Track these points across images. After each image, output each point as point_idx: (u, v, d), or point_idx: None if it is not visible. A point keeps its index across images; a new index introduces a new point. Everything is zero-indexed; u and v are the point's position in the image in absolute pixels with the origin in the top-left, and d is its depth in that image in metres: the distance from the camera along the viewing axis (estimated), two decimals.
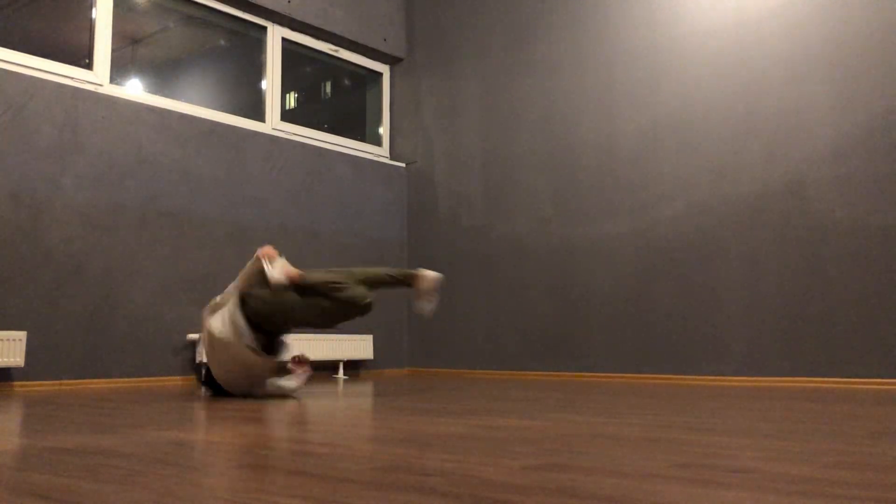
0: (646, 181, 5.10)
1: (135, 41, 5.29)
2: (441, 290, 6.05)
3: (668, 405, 2.99)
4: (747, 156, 4.70)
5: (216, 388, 3.58)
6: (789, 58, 4.61)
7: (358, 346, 5.64)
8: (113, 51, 4.81)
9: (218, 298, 3.57)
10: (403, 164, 6.40)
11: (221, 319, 3.42)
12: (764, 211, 4.61)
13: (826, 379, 4.30)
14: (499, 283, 5.74)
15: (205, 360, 3.55)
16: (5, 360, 3.91)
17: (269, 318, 3.54)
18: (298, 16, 5.75)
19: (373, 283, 3.67)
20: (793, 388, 4.07)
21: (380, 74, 6.60)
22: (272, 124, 5.66)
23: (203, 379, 3.66)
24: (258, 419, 2.49)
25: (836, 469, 1.46)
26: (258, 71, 5.79)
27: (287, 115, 5.90)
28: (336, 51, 6.21)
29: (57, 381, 4.20)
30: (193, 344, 4.80)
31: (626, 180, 5.19)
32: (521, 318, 5.59)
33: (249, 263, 3.59)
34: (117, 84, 4.82)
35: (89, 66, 4.68)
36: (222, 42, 5.95)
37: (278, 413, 2.72)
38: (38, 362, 4.14)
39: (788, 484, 1.31)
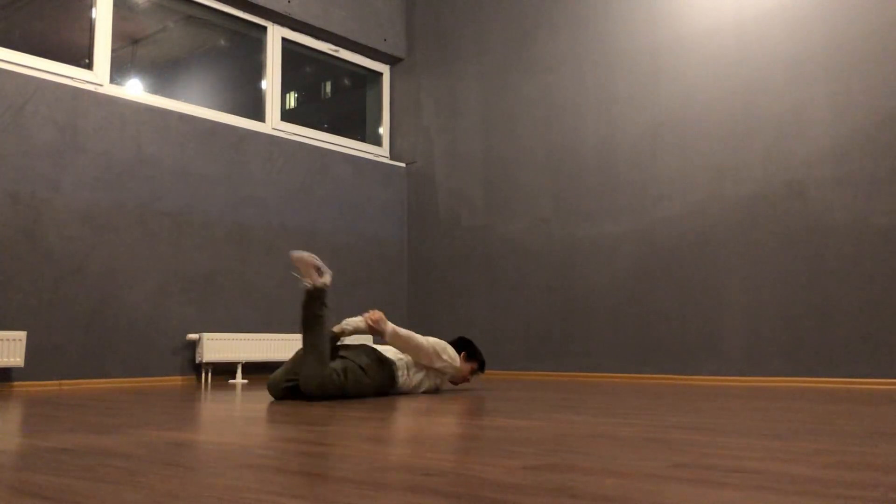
0: (646, 181, 5.10)
1: (135, 41, 5.29)
2: (438, 293, 6.04)
3: (667, 405, 2.99)
4: (747, 156, 4.70)
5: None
6: (789, 58, 4.61)
7: None
8: (113, 51, 4.81)
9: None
10: (403, 164, 6.41)
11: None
12: (764, 211, 4.61)
13: (825, 379, 4.30)
14: (499, 283, 5.74)
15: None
16: (5, 360, 3.92)
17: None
18: (298, 16, 5.75)
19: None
20: (792, 388, 4.07)
21: (380, 74, 6.60)
22: (272, 124, 5.66)
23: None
24: (257, 419, 2.49)
25: (836, 469, 1.46)
26: (258, 71, 5.79)
27: (287, 115, 5.90)
28: (336, 51, 6.21)
29: (57, 381, 4.20)
30: (193, 343, 4.80)
31: (627, 180, 5.19)
32: (521, 318, 5.58)
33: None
34: (117, 84, 4.82)
35: (89, 66, 4.68)
36: (222, 42, 5.95)
37: (277, 414, 2.73)
38: (38, 362, 4.14)
39: (788, 484, 1.31)
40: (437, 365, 3.65)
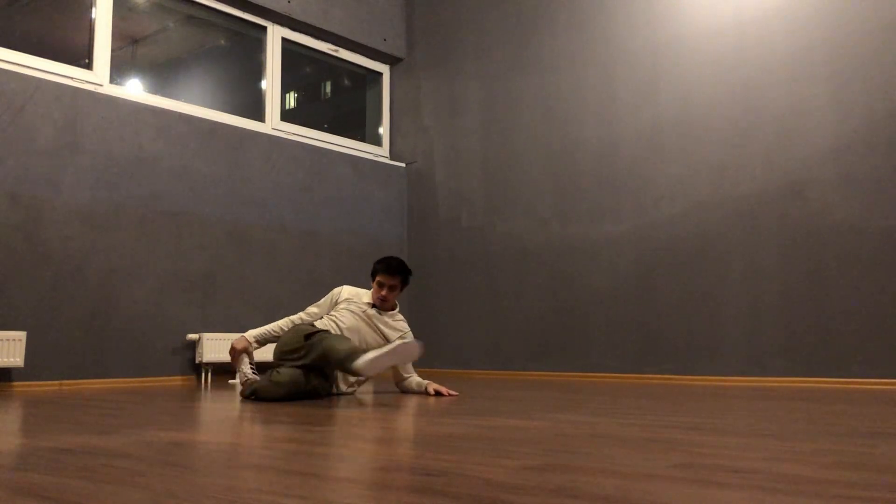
0: (646, 181, 5.10)
1: (134, 41, 5.29)
2: (438, 293, 6.04)
3: (667, 405, 2.99)
4: (747, 156, 4.71)
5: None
6: (790, 58, 4.62)
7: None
8: (113, 51, 4.80)
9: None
10: (403, 164, 6.41)
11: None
12: (764, 211, 4.61)
13: (826, 379, 4.30)
14: (499, 284, 5.74)
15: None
16: (5, 360, 3.91)
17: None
18: (298, 15, 5.75)
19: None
20: (793, 389, 4.07)
21: (380, 74, 6.60)
22: (272, 124, 5.66)
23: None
24: (257, 420, 2.49)
25: (836, 469, 1.46)
26: (258, 71, 5.79)
27: (287, 115, 5.90)
28: (336, 51, 6.21)
29: (57, 382, 4.20)
30: (193, 344, 4.80)
31: (627, 180, 5.19)
32: (522, 318, 5.59)
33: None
34: (117, 84, 4.82)
35: (89, 66, 4.68)
36: (222, 42, 5.96)
37: (277, 414, 2.73)
38: (38, 362, 4.14)
39: (788, 484, 1.31)
40: (317, 313, 3.78)
